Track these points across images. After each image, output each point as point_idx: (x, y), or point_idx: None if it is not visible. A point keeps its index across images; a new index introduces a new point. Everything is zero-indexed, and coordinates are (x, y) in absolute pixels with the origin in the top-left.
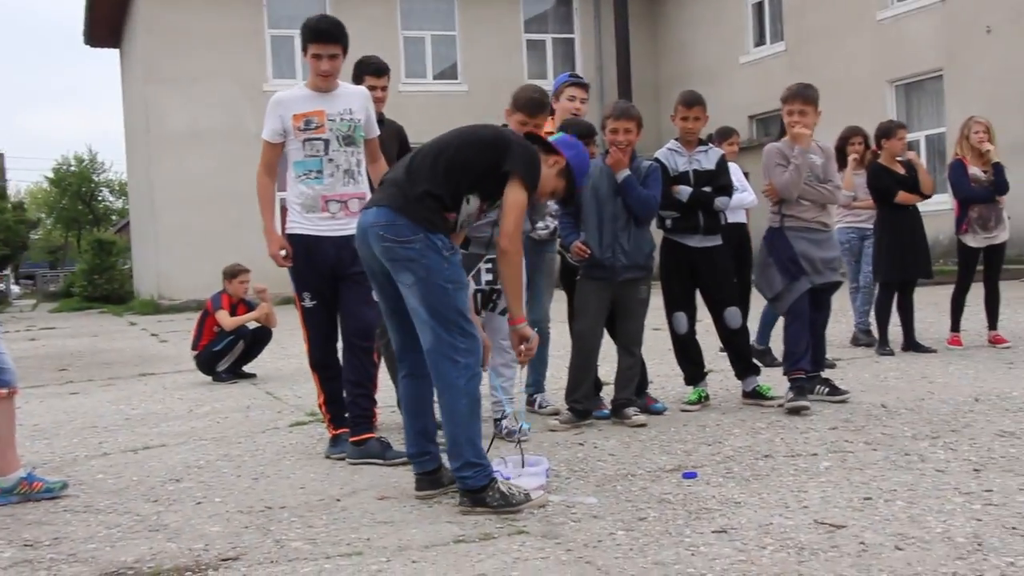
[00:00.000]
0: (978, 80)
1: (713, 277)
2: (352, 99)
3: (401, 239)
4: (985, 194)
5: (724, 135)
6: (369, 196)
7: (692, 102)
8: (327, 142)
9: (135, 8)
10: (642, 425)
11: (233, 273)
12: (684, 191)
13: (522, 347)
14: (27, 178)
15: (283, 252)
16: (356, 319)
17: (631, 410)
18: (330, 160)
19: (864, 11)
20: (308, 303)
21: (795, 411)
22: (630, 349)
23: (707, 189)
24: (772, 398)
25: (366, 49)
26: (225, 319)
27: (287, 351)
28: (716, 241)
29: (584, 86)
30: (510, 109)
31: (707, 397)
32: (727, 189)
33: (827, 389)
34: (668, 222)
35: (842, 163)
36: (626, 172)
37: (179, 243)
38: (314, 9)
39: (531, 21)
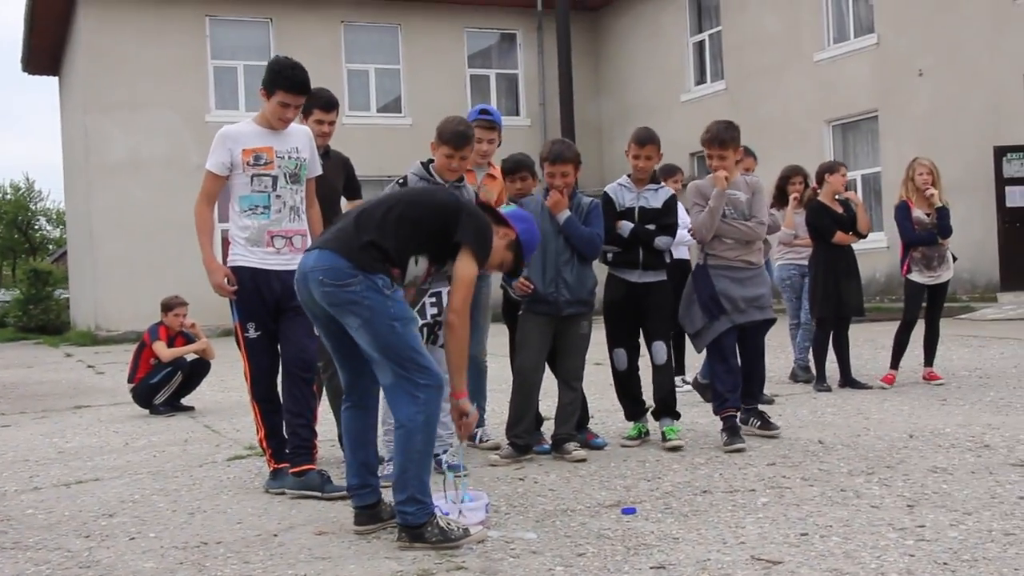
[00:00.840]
0: (911, 121)
1: (648, 311)
2: (299, 138)
3: (340, 282)
4: (928, 237)
5: (668, 172)
6: (309, 234)
7: (644, 140)
8: (275, 178)
9: (75, 36)
10: (582, 460)
11: (170, 306)
12: (625, 227)
13: (461, 421)
14: None
15: (226, 280)
16: (298, 350)
17: (571, 445)
18: (277, 196)
19: (802, 52)
20: (252, 334)
21: (732, 451)
22: (571, 384)
23: (650, 227)
24: (673, 441)
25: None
26: (162, 350)
27: (226, 383)
28: (656, 277)
29: (490, 125)
30: (436, 142)
31: (647, 432)
32: (671, 228)
33: (759, 422)
34: (609, 256)
35: (783, 202)
36: (566, 213)
37: (117, 273)
38: (258, 41)
39: (475, 56)
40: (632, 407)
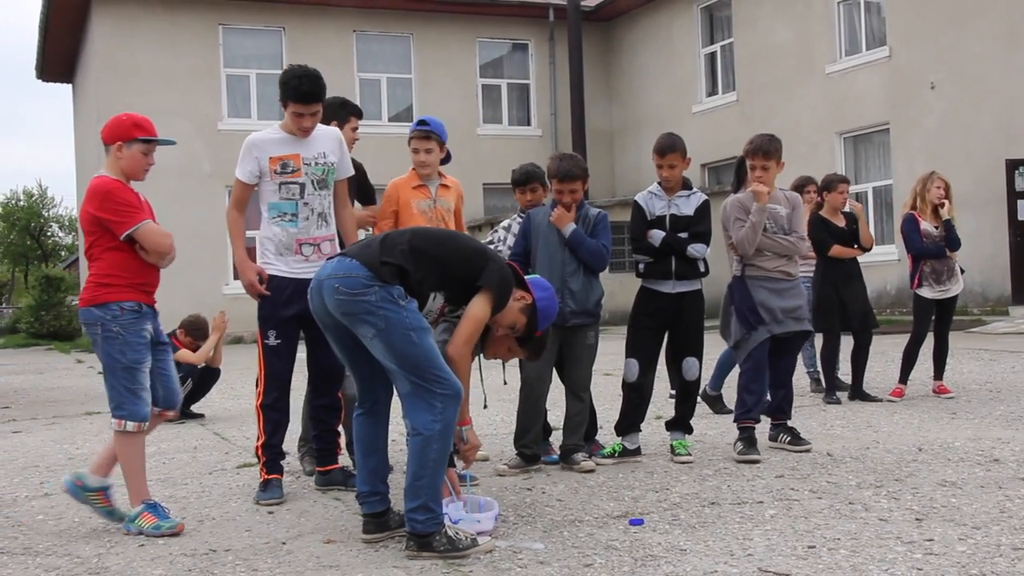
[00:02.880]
0: (923, 134)
1: (679, 324)
2: (327, 142)
3: (355, 291)
4: (936, 250)
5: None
6: (337, 239)
7: (665, 150)
8: (303, 186)
9: (89, 44)
10: (591, 471)
11: (194, 334)
12: (656, 235)
13: (463, 447)
14: None
15: (258, 277)
16: (326, 359)
17: (580, 455)
18: (305, 203)
19: (814, 64)
20: (272, 341)
21: (746, 462)
22: (578, 395)
23: (682, 235)
24: (682, 456)
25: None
26: (187, 356)
27: (236, 391)
28: (691, 287)
29: (425, 135)
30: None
31: (623, 452)
32: (704, 236)
33: (789, 438)
34: (641, 267)
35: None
36: (572, 226)
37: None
38: (271, 49)
39: (487, 66)
40: (625, 421)
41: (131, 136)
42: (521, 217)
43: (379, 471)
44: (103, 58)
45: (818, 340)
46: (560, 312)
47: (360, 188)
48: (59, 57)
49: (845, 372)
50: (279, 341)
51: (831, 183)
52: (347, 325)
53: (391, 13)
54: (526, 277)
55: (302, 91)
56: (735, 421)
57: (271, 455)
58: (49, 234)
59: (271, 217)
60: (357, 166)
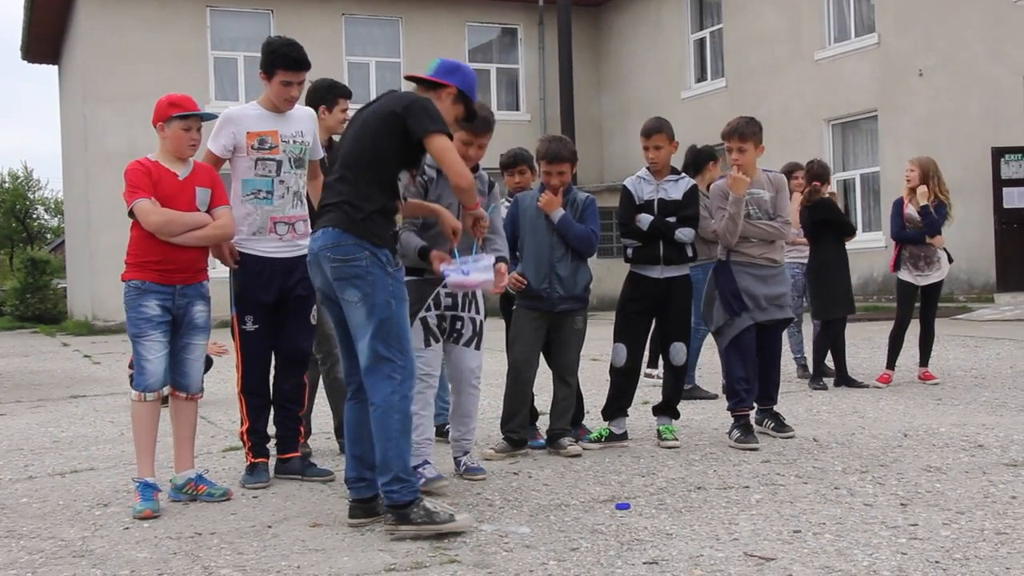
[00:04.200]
0: (911, 121)
1: (667, 309)
2: (303, 122)
3: (348, 257)
4: (915, 235)
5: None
6: (309, 219)
7: (650, 131)
8: (279, 163)
9: (75, 25)
10: (577, 455)
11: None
12: (644, 220)
13: (478, 224)
14: None
15: (232, 255)
16: (294, 342)
17: (566, 440)
18: (281, 181)
19: (803, 51)
20: (250, 327)
21: (744, 450)
22: (566, 379)
23: (671, 219)
24: (668, 441)
25: (312, 74)
26: None
27: (222, 375)
28: (678, 272)
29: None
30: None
31: (610, 437)
32: (692, 220)
33: (773, 424)
34: (629, 251)
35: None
36: (560, 212)
37: (115, 263)
38: (259, 32)
39: (476, 50)
40: (612, 406)
41: (168, 115)
42: (509, 201)
43: (365, 458)
44: (89, 39)
45: (806, 326)
46: (548, 298)
47: None
48: (45, 38)
49: (829, 358)
50: (256, 326)
51: (790, 171)
52: (336, 292)
53: None
54: (428, 73)
55: (292, 57)
56: (729, 410)
57: (256, 440)
58: (35, 216)
59: (245, 194)
60: None
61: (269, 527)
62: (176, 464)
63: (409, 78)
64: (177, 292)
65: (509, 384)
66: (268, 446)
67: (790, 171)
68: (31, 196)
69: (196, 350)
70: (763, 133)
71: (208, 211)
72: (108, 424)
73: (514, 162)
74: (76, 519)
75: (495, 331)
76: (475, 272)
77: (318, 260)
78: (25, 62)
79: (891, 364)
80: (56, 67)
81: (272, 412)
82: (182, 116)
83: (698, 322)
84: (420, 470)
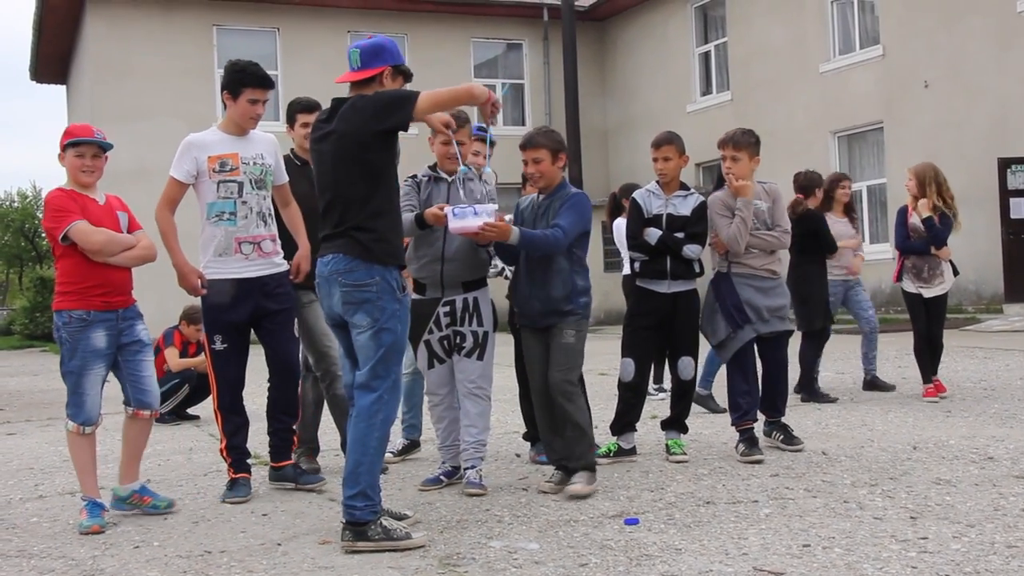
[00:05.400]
0: (917, 132)
1: (675, 324)
2: (264, 145)
3: (360, 283)
4: (919, 246)
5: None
6: (278, 238)
7: (660, 142)
8: (241, 184)
9: (82, 45)
10: (583, 497)
11: (195, 320)
12: (653, 234)
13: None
14: None
15: (200, 282)
16: (282, 355)
17: (576, 476)
18: (243, 202)
19: (808, 63)
20: (219, 346)
21: (750, 463)
22: (557, 401)
23: (679, 235)
24: (677, 455)
25: (317, 91)
26: (173, 358)
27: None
28: (685, 287)
29: (481, 139)
30: (431, 136)
31: (619, 452)
32: (700, 237)
33: (782, 436)
34: (636, 265)
35: (829, 207)
36: (515, 235)
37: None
38: (265, 49)
39: (481, 66)
40: (621, 421)
41: (62, 144)
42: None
43: None
44: (96, 59)
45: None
46: (529, 314)
47: None
48: (53, 58)
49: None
50: (225, 346)
51: (834, 181)
52: (344, 316)
53: (385, 14)
54: (361, 76)
55: (261, 75)
56: (733, 424)
57: (236, 456)
58: (43, 236)
59: (209, 217)
60: None
61: (279, 545)
62: (122, 476)
63: (343, 82)
64: (119, 316)
65: (538, 414)
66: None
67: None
68: (40, 215)
69: (148, 366)
70: (760, 146)
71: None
72: (117, 443)
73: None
74: (86, 538)
75: (500, 345)
76: (479, 217)
77: (329, 284)
78: (34, 82)
79: (927, 377)
80: (64, 87)
81: (266, 423)
82: (73, 143)
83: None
84: (468, 474)
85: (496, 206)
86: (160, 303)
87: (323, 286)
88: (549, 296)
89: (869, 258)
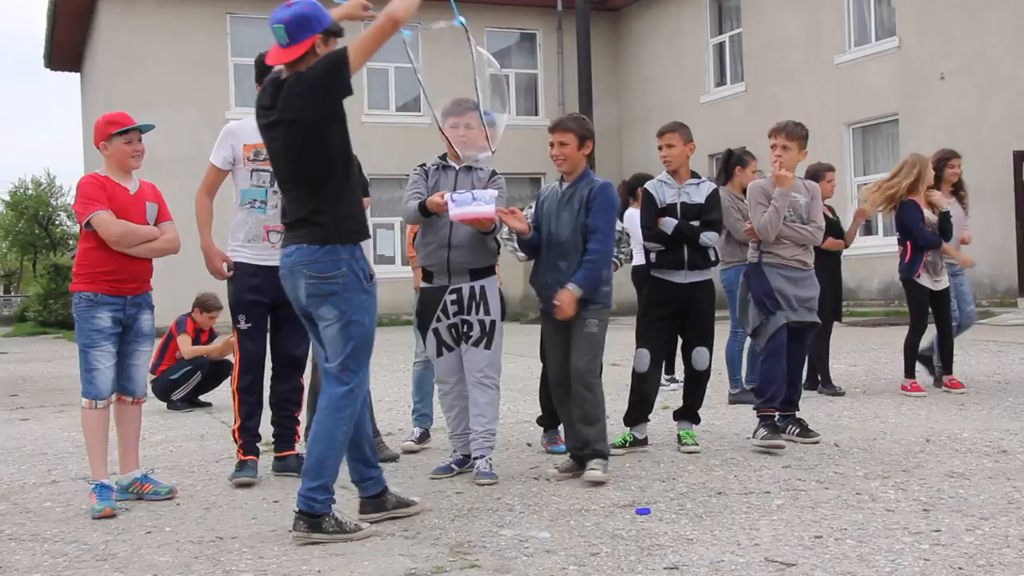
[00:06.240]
0: (932, 125)
1: (691, 314)
2: None
3: (325, 275)
4: (937, 240)
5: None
6: None
7: (663, 130)
8: (273, 174)
9: (97, 33)
10: (600, 483)
11: (207, 306)
12: (668, 223)
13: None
14: None
15: (225, 265)
16: (288, 347)
17: (593, 462)
18: (275, 192)
19: (823, 55)
20: (243, 325)
21: (768, 450)
22: (577, 389)
23: (694, 223)
24: (689, 446)
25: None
26: (186, 345)
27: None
28: (702, 277)
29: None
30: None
31: (634, 442)
32: (716, 224)
33: (798, 430)
34: (652, 256)
35: (938, 187)
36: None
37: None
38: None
39: (495, 55)
40: (635, 412)
41: (108, 133)
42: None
43: (366, 458)
44: (110, 47)
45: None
46: (551, 300)
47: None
48: (67, 46)
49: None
50: (249, 324)
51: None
52: (309, 308)
53: None
54: (294, 55)
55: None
56: (756, 409)
57: (247, 438)
58: (57, 223)
59: (242, 203)
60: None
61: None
62: (121, 465)
63: (275, 63)
64: (128, 302)
65: (557, 404)
66: (260, 444)
67: (948, 158)
68: (54, 203)
69: (142, 356)
70: (760, 137)
71: (155, 225)
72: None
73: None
74: (99, 523)
75: (517, 336)
76: (478, 204)
77: (293, 275)
78: (48, 70)
79: (911, 372)
80: (78, 75)
81: (270, 412)
82: (122, 131)
83: (735, 325)
84: (478, 464)
85: (496, 192)
86: (173, 291)
87: (287, 278)
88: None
89: (885, 250)
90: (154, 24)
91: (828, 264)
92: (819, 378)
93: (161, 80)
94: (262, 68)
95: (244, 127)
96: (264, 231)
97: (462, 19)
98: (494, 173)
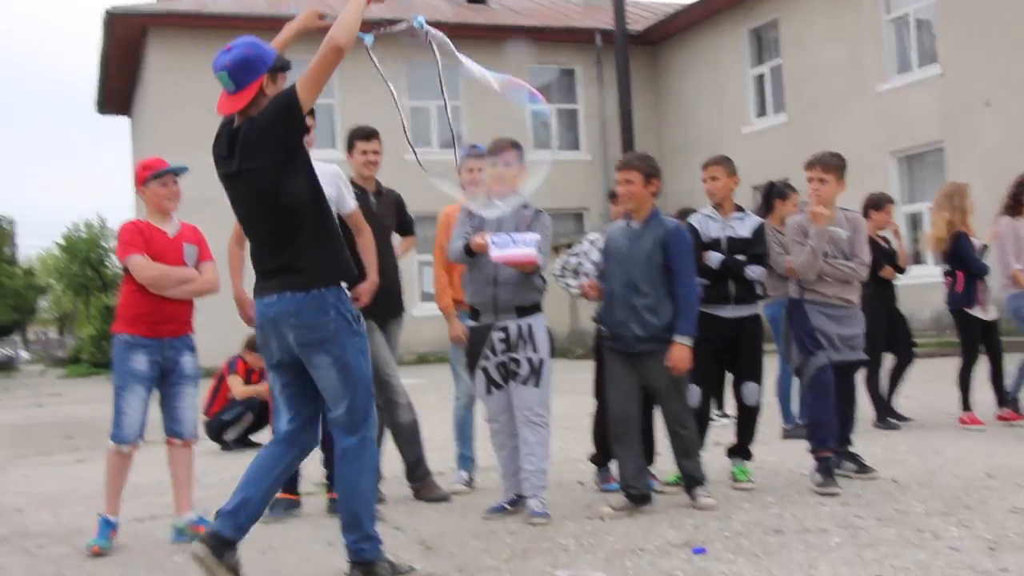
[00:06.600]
0: (978, 153)
1: (738, 349)
2: (324, 177)
3: (314, 323)
4: (986, 268)
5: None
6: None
7: (708, 162)
8: None
9: (145, 77)
10: (711, 508)
11: (257, 347)
12: (714, 257)
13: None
14: (38, 244)
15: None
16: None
17: (699, 490)
18: None
19: (865, 83)
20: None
21: (826, 495)
22: (673, 430)
23: (740, 257)
24: (743, 483)
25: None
26: (237, 386)
27: None
28: (749, 311)
29: (478, 155)
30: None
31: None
32: (762, 258)
33: (855, 467)
34: (698, 290)
35: (1017, 211)
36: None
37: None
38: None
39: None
40: None
41: (144, 178)
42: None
43: (249, 503)
44: (159, 91)
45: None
46: (624, 337)
47: (399, 219)
48: (117, 90)
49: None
50: None
51: (879, 202)
52: (302, 357)
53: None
54: (243, 102)
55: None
56: (810, 451)
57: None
58: (109, 265)
59: None
60: (395, 197)
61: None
62: (176, 507)
63: (226, 112)
64: (165, 344)
65: (612, 438)
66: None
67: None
68: (105, 245)
69: (187, 398)
70: (846, 171)
71: (195, 267)
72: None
73: (621, 167)
74: (156, 566)
75: (572, 372)
76: (518, 246)
77: (276, 326)
78: (99, 114)
79: (967, 404)
80: (128, 118)
81: (322, 454)
82: (157, 175)
83: (784, 360)
84: (530, 503)
85: (538, 236)
86: (224, 331)
87: (270, 329)
88: (658, 322)
89: (934, 280)
90: (200, 67)
91: (885, 294)
92: (876, 412)
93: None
94: None
95: None
96: None
97: (421, 18)
98: (539, 211)
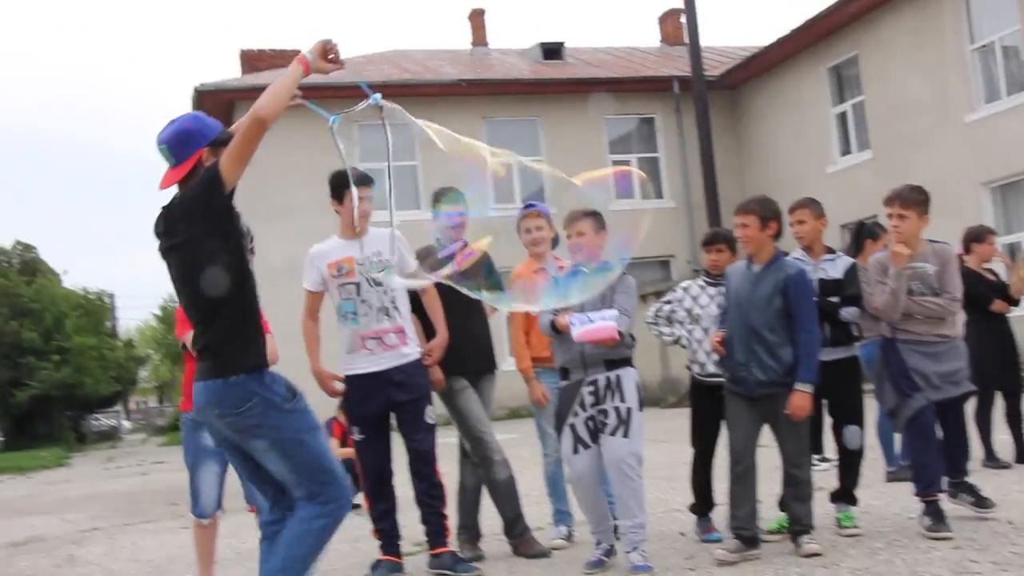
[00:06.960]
0: None
1: (837, 392)
2: (380, 242)
3: (239, 410)
4: None
5: (976, 236)
6: (407, 329)
7: (793, 207)
8: (358, 285)
9: None
10: (816, 555)
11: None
12: None
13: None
14: (137, 316)
15: (336, 383)
16: (415, 444)
17: (804, 537)
18: (363, 301)
19: (951, 115)
20: (357, 436)
21: (937, 539)
22: (788, 472)
23: (834, 299)
24: (849, 528)
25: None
26: (334, 449)
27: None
28: (845, 353)
29: (534, 215)
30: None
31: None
32: (856, 300)
33: (972, 499)
34: (820, 336)
35: None
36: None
37: (279, 374)
38: (404, 143)
39: (615, 142)
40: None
41: None
42: (705, 280)
43: None
44: (253, 160)
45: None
46: (745, 381)
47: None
48: None
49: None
50: (363, 436)
51: (980, 234)
52: (241, 444)
53: (517, 98)
54: (182, 174)
55: (363, 175)
56: (917, 495)
57: (384, 538)
58: None
59: (339, 318)
60: (482, 256)
61: None
62: None
63: (168, 186)
64: None
65: (731, 479)
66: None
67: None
68: None
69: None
70: (930, 205)
71: None
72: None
73: (713, 239)
74: None
75: (663, 420)
76: (599, 322)
77: (206, 415)
78: None
79: None
80: None
81: (419, 512)
82: None
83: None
84: (632, 556)
85: (616, 312)
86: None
87: (205, 416)
88: (778, 365)
89: None
90: (284, 135)
91: (998, 328)
92: (985, 450)
93: (295, 190)
94: (332, 184)
95: (324, 248)
96: (360, 340)
97: (377, 97)
98: (623, 273)
